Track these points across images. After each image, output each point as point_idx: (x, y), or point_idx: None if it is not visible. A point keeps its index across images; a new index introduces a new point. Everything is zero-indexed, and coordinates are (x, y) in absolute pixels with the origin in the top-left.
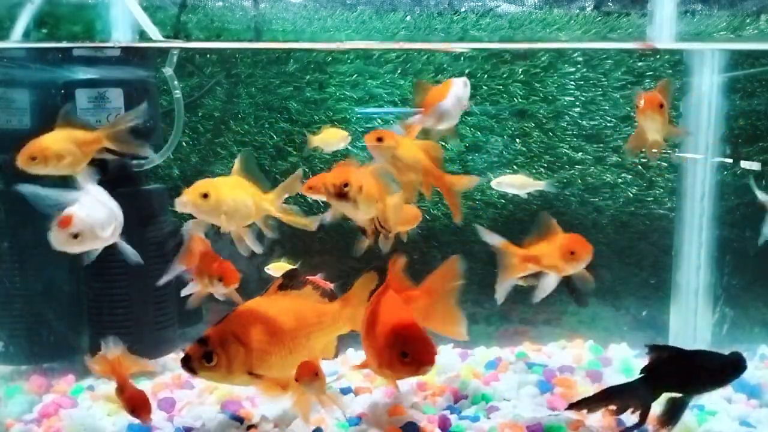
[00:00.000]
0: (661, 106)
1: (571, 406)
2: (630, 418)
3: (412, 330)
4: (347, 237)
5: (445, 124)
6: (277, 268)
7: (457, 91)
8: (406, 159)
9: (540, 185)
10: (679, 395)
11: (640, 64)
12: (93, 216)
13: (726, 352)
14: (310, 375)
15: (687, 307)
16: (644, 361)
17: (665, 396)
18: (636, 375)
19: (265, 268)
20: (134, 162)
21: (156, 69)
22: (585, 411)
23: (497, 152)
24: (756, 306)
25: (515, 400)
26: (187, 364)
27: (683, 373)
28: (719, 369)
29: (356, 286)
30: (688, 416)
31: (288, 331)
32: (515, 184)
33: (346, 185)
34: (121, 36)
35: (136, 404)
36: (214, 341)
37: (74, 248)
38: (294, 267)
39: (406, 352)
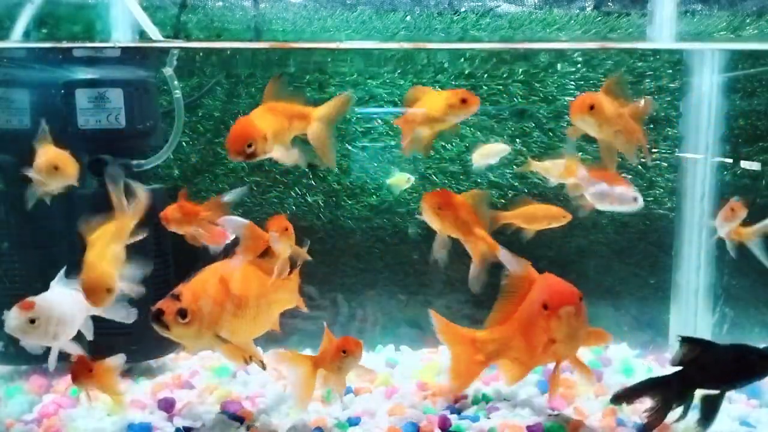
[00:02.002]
0: (592, 107)
1: (614, 400)
2: (630, 418)
3: (551, 283)
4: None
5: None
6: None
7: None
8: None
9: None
10: (713, 391)
11: (640, 64)
12: (57, 308)
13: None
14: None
15: (687, 307)
16: (676, 354)
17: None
18: (636, 374)
19: None
20: (134, 162)
21: (156, 69)
22: (625, 404)
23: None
24: (756, 306)
25: (515, 400)
26: (160, 319)
27: (720, 367)
28: (756, 362)
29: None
30: (689, 416)
31: (254, 296)
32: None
33: (250, 145)
34: (121, 36)
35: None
36: (188, 298)
37: (30, 335)
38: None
39: (546, 303)
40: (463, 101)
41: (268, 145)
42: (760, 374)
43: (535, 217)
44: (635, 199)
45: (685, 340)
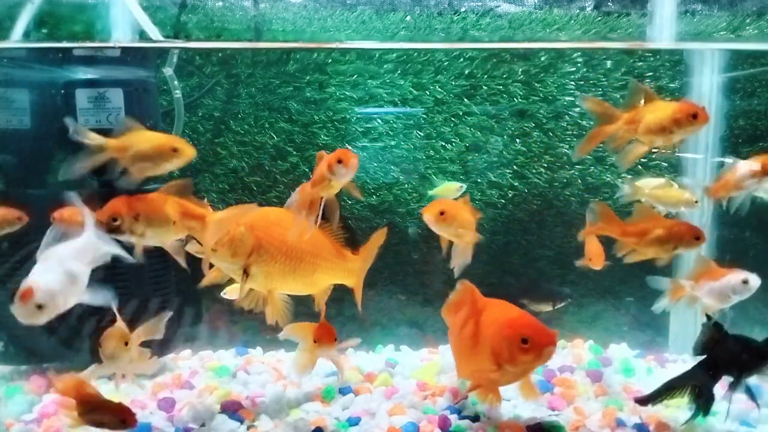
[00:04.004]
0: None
1: (639, 402)
2: (630, 418)
3: (526, 317)
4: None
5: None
6: (233, 291)
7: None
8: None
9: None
10: (734, 378)
11: (640, 64)
12: (53, 284)
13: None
14: (329, 339)
15: (687, 307)
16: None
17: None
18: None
19: (222, 294)
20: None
21: (156, 69)
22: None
23: (497, 152)
24: (756, 306)
25: (515, 400)
26: (195, 238)
27: (740, 353)
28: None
29: (370, 241)
30: (689, 416)
31: (300, 249)
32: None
33: (115, 219)
34: (121, 36)
35: (126, 414)
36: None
37: (45, 316)
38: None
39: (527, 337)
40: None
41: (138, 227)
42: None
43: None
44: (746, 282)
45: (711, 326)
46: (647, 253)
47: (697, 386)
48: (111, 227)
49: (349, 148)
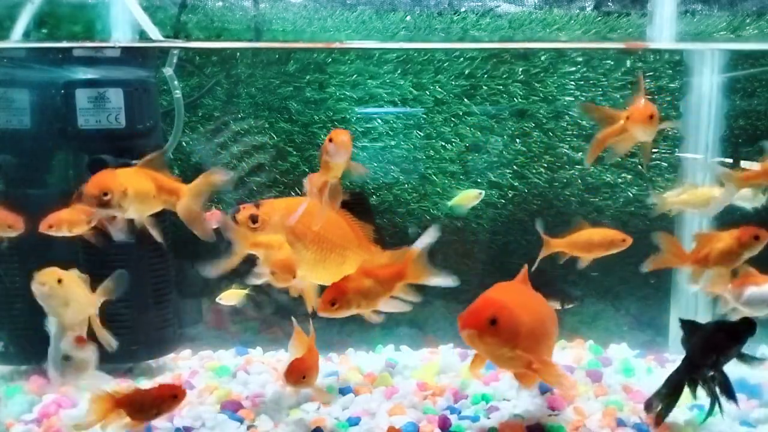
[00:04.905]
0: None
1: (647, 408)
2: (631, 418)
3: (488, 299)
4: None
5: None
6: (228, 296)
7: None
8: None
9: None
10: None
11: (640, 64)
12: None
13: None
14: (297, 376)
15: (687, 307)
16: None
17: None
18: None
19: (217, 299)
20: (134, 162)
21: (156, 69)
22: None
23: (497, 152)
24: None
25: (515, 400)
26: (234, 217)
27: (716, 336)
28: (738, 331)
29: (399, 252)
30: (689, 416)
31: (330, 240)
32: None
33: (105, 194)
34: (121, 36)
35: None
36: (265, 209)
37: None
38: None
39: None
40: (756, 238)
41: (127, 201)
42: (743, 338)
43: (591, 244)
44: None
45: (683, 322)
46: (722, 271)
47: (694, 379)
48: (102, 201)
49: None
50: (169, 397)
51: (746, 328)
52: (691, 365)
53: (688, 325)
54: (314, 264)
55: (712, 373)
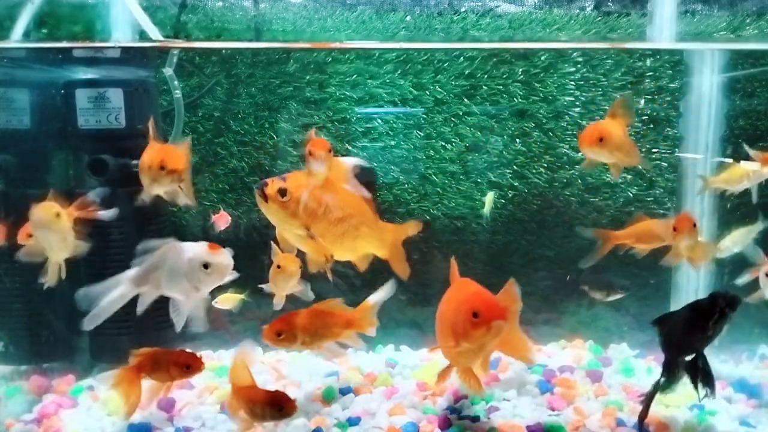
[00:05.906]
0: (601, 140)
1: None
2: (631, 418)
3: (482, 293)
4: None
5: None
6: (225, 300)
7: None
8: None
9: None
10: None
11: (639, 64)
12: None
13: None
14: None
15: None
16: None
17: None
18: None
19: (213, 302)
20: (134, 162)
21: (156, 69)
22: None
23: (497, 152)
24: (756, 306)
25: (515, 400)
26: (263, 191)
27: (684, 324)
28: (708, 305)
29: (406, 225)
30: (689, 416)
31: (349, 214)
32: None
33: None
34: (121, 36)
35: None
36: (292, 183)
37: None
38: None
39: (477, 311)
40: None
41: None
42: (719, 316)
43: (650, 235)
44: None
45: (654, 323)
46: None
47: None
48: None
49: (323, 138)
50: (184, 366)
51: (714, 305)
52: (672, 348)
53: (658, 322)
54: (334, 238)
55: (693, 356)
